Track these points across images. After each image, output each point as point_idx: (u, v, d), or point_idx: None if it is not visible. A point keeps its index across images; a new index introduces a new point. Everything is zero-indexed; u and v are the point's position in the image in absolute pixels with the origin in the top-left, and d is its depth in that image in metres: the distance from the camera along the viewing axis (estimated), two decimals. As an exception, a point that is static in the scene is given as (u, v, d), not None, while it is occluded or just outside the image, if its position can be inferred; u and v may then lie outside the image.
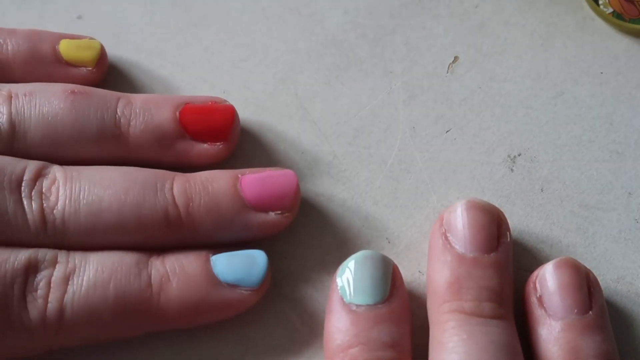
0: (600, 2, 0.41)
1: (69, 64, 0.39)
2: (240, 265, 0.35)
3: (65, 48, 0.39)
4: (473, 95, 0.41)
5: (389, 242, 0.38)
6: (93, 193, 0.35)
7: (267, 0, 0.43)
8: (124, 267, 0.34)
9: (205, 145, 0.38)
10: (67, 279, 0.34)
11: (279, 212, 0.36)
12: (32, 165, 0.36)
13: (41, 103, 0.37)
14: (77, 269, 0.34)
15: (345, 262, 0.35)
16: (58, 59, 0.39)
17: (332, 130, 0.40)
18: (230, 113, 0.38)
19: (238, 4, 0.43)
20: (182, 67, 0.41)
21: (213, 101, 0.38)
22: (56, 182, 0.35)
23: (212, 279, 0.35)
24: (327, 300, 0.35)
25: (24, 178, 0.35)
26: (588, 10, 0.42)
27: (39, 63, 0.39)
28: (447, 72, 0.41)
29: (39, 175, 0.35)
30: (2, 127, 0.36)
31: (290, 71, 0.41)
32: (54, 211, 0.35)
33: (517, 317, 0.35)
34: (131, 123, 0.37)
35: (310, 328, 0.36)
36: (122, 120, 0.37)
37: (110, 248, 0.35)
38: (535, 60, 0.41)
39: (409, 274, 0.37)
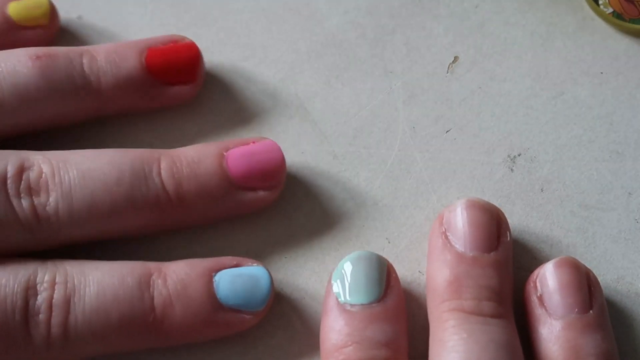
0: (600, 2, 0.41)
1: (22, 26, 0.39)
2: (244, 289, 0.35)
3: (15, 10, 0.39)
4: (473, 95, 0.41)
5: (389, 242, 0.38)
6: (84, 186, 0.35)
7: (267, 0, 0.43)
8: (126, 289, 0.34)
9: (176, 88, 0.39)
10: (67, 301, 0.34)
11: (267, 188, 0.37)
12: (13, 159, 0.35)
13: (9, 74, 0.37)
14: (76, 290, 0.34)
15: (340, 263, 0.35)
16: (10, 24, 0.39)
17: (332, 130, 0.40)
18: (194, 51, 0.39)
19: (238, 4, 0.43)
20: (182, 67, 0.41)
21: (173, 40, 0.39)
22: (43, 175, 0.35)
23: (215, 304, 0.35)
24: (325, 301, 0.36)
25: (8, 175, 0.35)
26: (588, 10, 0.42)
27: None
28: (447, 72, 0.41)
29: (22, 169, 0.35)
30: None
31: (290, 71, 0.41)
32: (47, 207, 0.35)
33: (516, 317, 0.35)
34: (101, 79, 0.37)
35: (310, 328, 0.36)
36: (91, 78, 0.37)
37: (105, 235, 0.36)
38: (535, 60, 0.41)
39: (409, 274, 0.37)
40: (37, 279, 0.34)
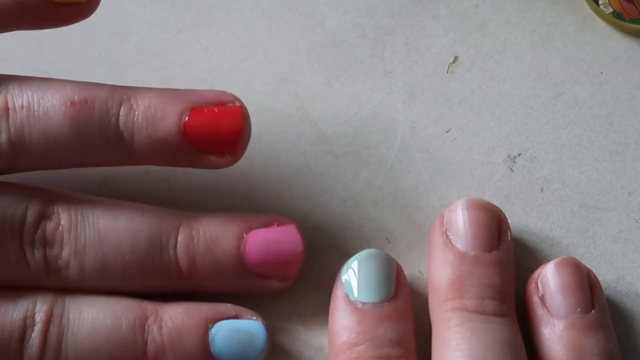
0: (600, 2, 0.41)
1: (60, 3, 0.36)
2: (238, 346, 0.34)
3: None
4: (473, 95, 0.41)
5: (389, 242, 0.38)
6: (98, 248, 0.34)
7: (267, 0, 0.43)
8: (120, 333, 0.34)
9: (213, 158, 0.36)
10: (60, 338, 0.33)
11: (280, 278, 0.36)
12: (34, 206, 0.35)
13: (40, 120, 0.34)
14: (70, 326, 0.34)
15: (349, 261, 0.35)
16: (49, 3, 0.35)
17: (332, 130, 0.40)
18: (237, 121, 0.35)
19: (238, 4, 0.43)
20: (182, 67, 0.41)
21: (221, 102, 0.36)
22: (60, 228, 0.34)
23: (209, 357, 0.34)
24: (328, 300, 0.35)
25: (26, 221, 0.34)
26: (588, 10, 0.42)
27: (29, 10, 0.35)
28: (447, 72, 0.41)
29: (41, 218, 0.34)
30: (1, 147, 0.34)
31: (290, 71, 0.41)
32: (58, 261, 0.34)
33: (518, 317, 0.35)
34: (135, 137, 0.35)
35: (310, 328, 0.36)
36: (125, 135, 0.35)
37: (112, 292, 0.35)
38: (535, 60, 0.41)
39: (409, 273, 0.37)
40: (36, 309, 0.34)
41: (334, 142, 0.40)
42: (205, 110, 0.35)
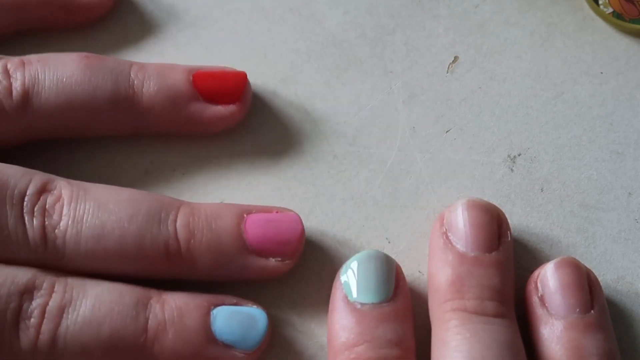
0: (600, 2, 0.41)
1: None
2: (239, 327, 0.35)
3: None
4: (473, 95, 0.41)
5: (389, 242, 0.38)
6: (97, 217, 0.35)
7: (267, 0, 0.43)
8: (122, 307, 0.34)
9: (219, 107, 0.38)
10: (61, 310, 0.33)
11: (280, 259, 0.36)
12: (37, 179, 0.35)
13: (55, 67, 0.37)
14: (73, 301, 0.34)
15: (348, 262, 0.35)
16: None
17: (332, 130, 0.40)
18: (242, 77, 0.39)
19: (238, 4, 0.43)
20: (182, 67, 0.41)
21: (225, 71, 0.39)
22: (61, 200, 0.35)
23: (209, 336, 0.34)
24: (327, 300, 0.35)
25: (27, 192, 0.35)
26: (588, 10, 0.42)
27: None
28: (447, 72, 0.41)
29: (43, 190, 0.35)
30: (15, 91, 0.36)
31: (290, 71, 0.41)
32: (56, 230, 0.34)
33: (517, 317, 0.35)
34: (145, 84, 0.38)
35: (310, 328, 0.36)
36: (135, 82, 0.38)
37: (109, 274, 0.35)
38: (535, 60, 0.41)
39: (409, 274, 0.37)
40: (36, 283, 0.34)
41: (334, 142, 0.40)
42: (211, 70, 0.39)
